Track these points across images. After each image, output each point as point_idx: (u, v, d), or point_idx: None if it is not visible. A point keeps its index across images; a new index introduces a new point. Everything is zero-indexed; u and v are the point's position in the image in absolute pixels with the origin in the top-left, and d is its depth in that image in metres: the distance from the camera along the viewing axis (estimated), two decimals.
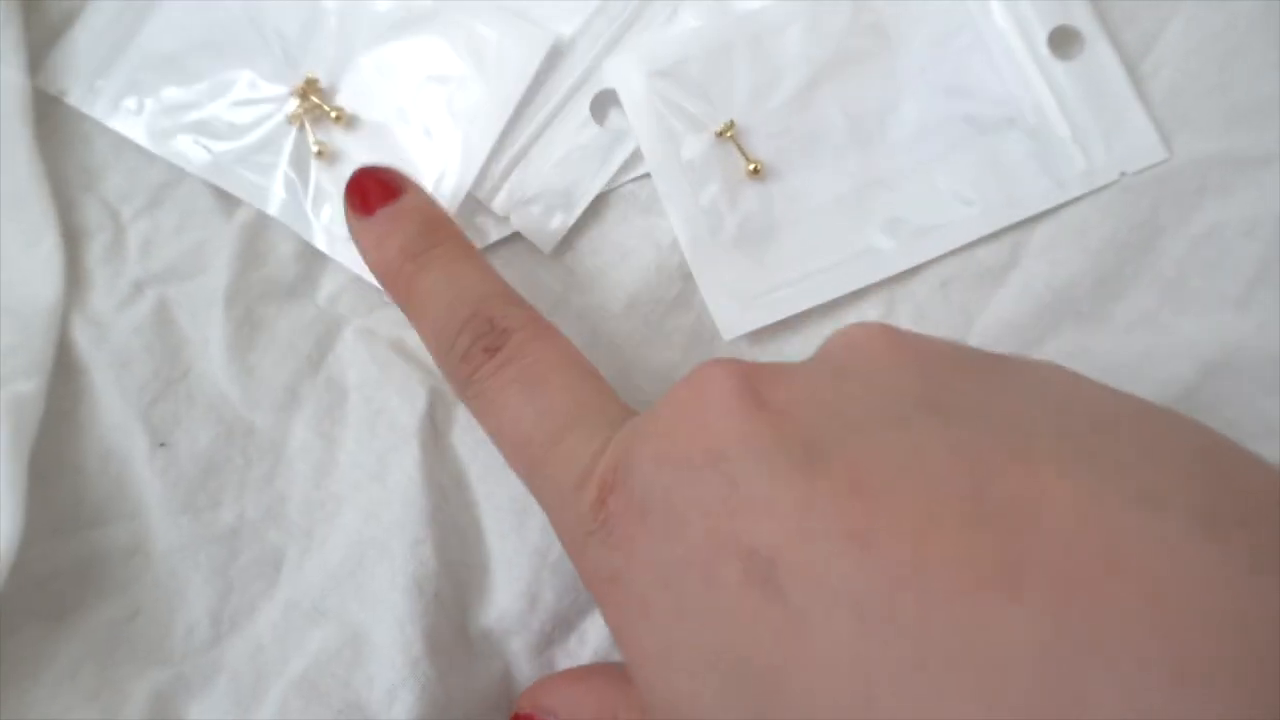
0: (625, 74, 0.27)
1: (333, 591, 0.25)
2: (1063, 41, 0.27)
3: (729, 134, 0.26)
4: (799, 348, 0.26)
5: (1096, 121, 0.26)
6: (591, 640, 0.24)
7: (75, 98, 0.28)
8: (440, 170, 0.27)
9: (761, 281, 0.26)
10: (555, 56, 0.27)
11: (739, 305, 0.26)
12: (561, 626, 0.24)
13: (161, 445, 0.26)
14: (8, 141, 0.27)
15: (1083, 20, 0.27)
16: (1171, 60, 0.27)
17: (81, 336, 0.26)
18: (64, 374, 0.26)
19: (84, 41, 0.28)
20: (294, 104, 0.27)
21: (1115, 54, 0.27)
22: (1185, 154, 0.26)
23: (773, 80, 0.27)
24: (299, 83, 0.27)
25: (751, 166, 0.26)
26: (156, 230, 0.27)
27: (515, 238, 0.27)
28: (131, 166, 0.28)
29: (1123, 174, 0.26)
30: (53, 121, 0.28)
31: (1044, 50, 0.27)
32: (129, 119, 0.28)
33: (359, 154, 0.27)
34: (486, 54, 0.27)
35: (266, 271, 0.27)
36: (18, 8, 0.28)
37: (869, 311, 0.26)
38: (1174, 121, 0.27)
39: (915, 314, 0.26)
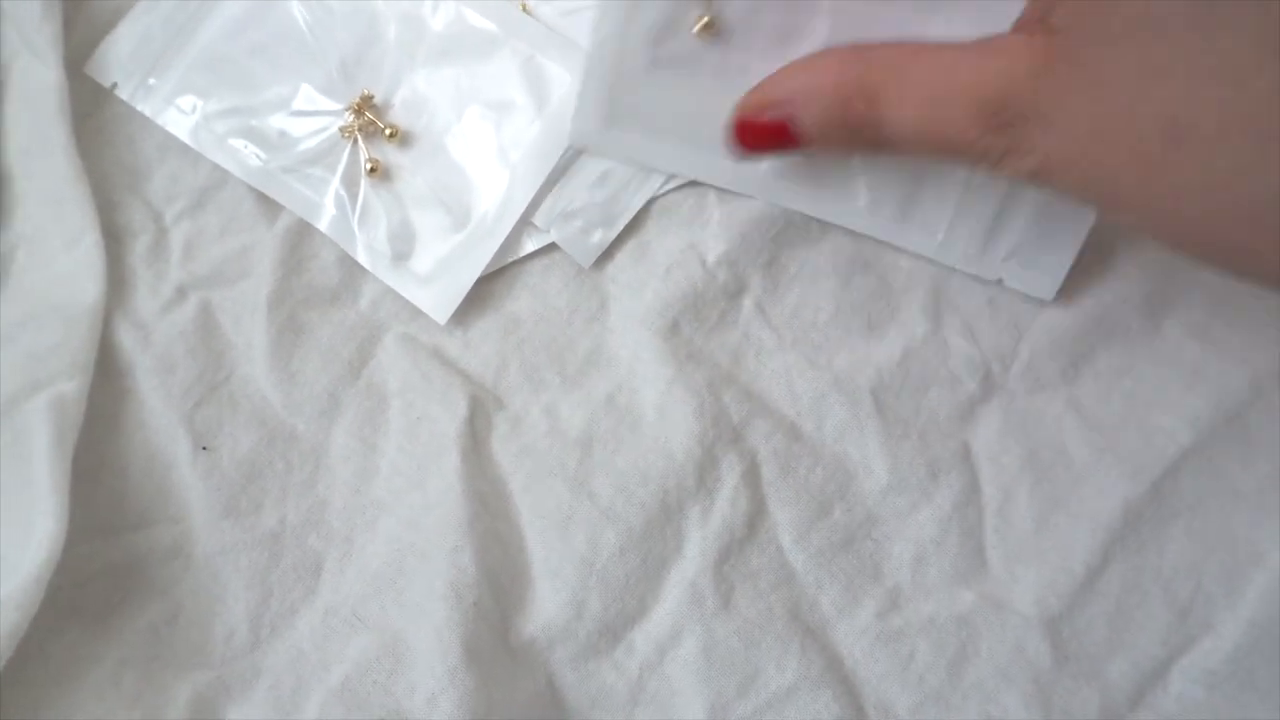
0: None
1: (372, 598, 0.25)
2: None
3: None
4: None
5: (1025, 229, 0.25)
6: (640, 650, 0.24)
7: (127, 92, 0.28)
8: (493, 194, 0.27)
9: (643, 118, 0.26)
10: None
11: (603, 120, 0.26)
12: (608, 636, 0.24)
13: (204, 449, 0.26)
14: (46, 139, 0.27)
15: None
16: None
17: (125, 338, 0.27)
18: (107, 375, 0.26)
19: (138, 35, 0.28)
20: (348, 119, 0.27)
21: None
22: None
23: None
24: (354, 98, 0.27)
25: (704, 19, 0.25)
26: (200, 233, 0.28)
27: (554, 247, 0.27)
28: (175, 169, 0.28)
29: (999, 280, 0.26)
30: (97, 121, 0.28)
31: None
32: (179, 119, 0.28)
33: (411, 171, 0.27)
34: (551, 91, 0.27)
35: (309, 278, 0.27)
36: (58, 5, 0.28)
37: (913, 317, 0.26)
38: None
39: (963, 327, 0.26)
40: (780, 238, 0.26)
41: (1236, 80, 0.16)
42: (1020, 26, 0.21)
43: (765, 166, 0.26)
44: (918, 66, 0.21)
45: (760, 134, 0.23)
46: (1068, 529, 0.24)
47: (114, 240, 0.27)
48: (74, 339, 0.26)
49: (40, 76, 0.27)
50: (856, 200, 0.26)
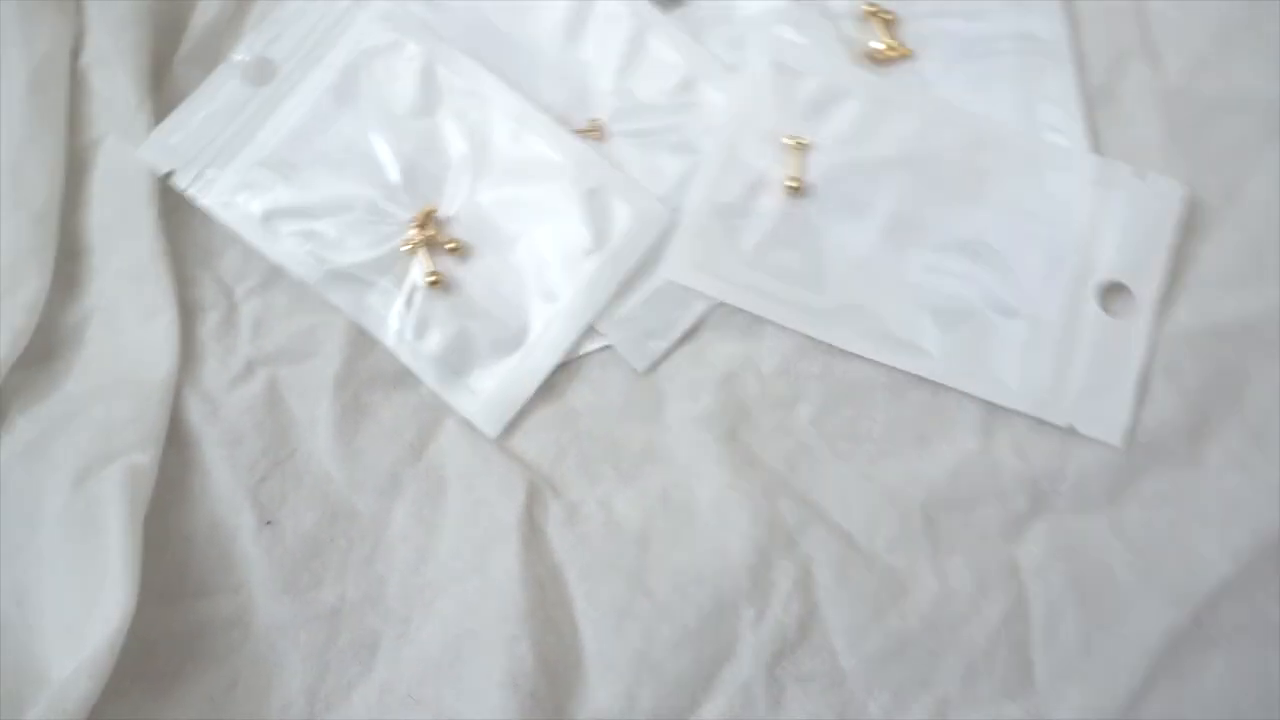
0: None
1: (429, 680, 0.25)
2: (1114, 296, 0.28)
3: (795, 145, 0.28)
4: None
5: (1088, 372, 0.27)
6: None
7: (185, 181, 0.29)
8: (548, 317, 0.28)
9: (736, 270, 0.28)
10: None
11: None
12: None
13: (268, 523, 0.27)
14: (131, 217, 0.28)
15: (1144, 289, 0.27)
16: (1258, 209, 0.28)
17: (194, 411, 0.27)
18: (176, 446, 0.27)
19: (197, 126, 0.29)
20: (412, 231, 0.28)
21: (1149, 330, 0.27)
22: (1270, 302, 0.27)
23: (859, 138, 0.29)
24: (417, 210, 0.28)
25: (791, 182, 0.28)
26: (268, 310, 0.28)
27: (610, 347, 0.28)
28: (247, 247, 0.29)
29: (1070, 426, 0.26)
30: (174, 198, 0.29)
31: (1091, 290, 0.27)
32: (239, 215, 0.28)
33: (473, 285, 0.28)
34: (611, 226, 0.28)
35: (373, 360, 0.28)
36: (149, 89, 0.29)
37: (964, 433, 0.27)
38: (1260, 270, 0.27)
39: (1013, 445, 0.27)
40: (834, 350, 0.27)
41: None
42: None
43: (839, 318, 0.28)
44: None
45: None
46: (1112, 651, 0.25)
47: (186, 315, 0.28)
48: (147, 411, 0.27)
49: (129, 157, 0.28)
50: (930, 352, 0.27)
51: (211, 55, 0.29)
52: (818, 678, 0.25)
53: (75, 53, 0.29)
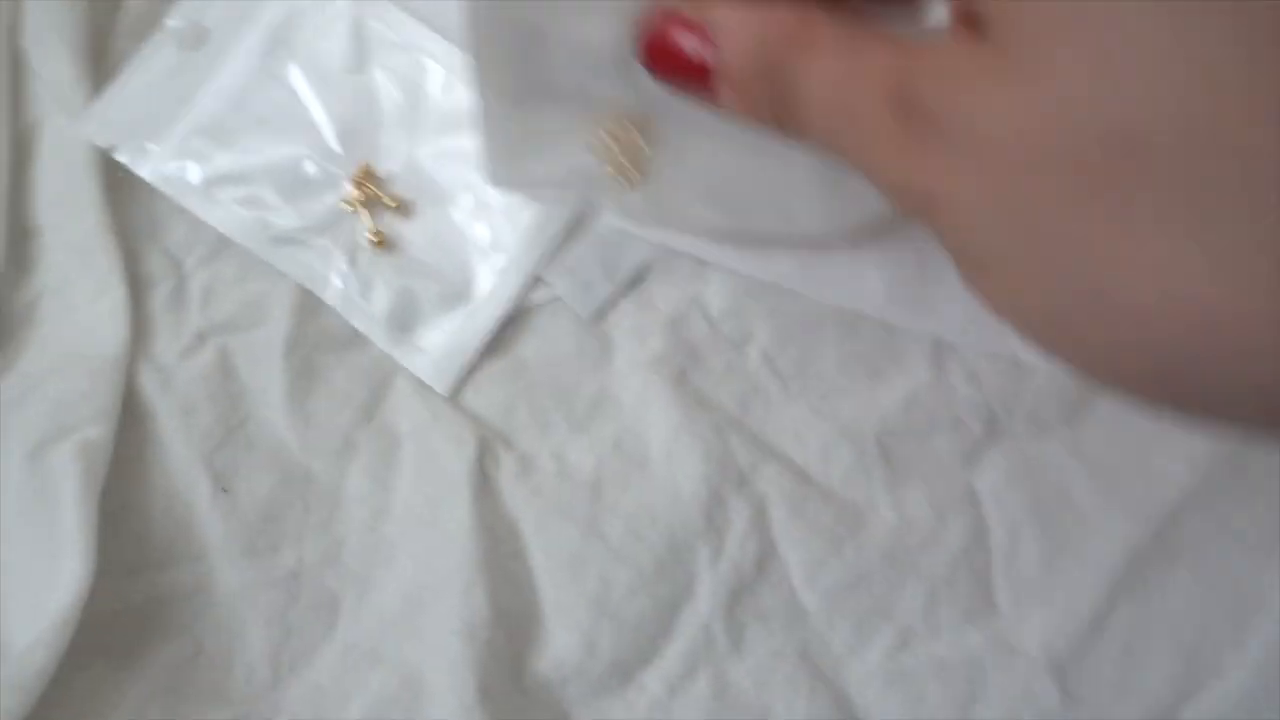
0: None
1: (389, 635, 0.25)
2: None
3: None
4: None
5: None
6: (651, 689, 0.25)
7: (125, 155, 0.28)
8: (494, 267, 0.27)
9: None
10: None
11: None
12: (619, 675, 0.25)
13: (224, 490, 0.27)
14: (77, 194, 0.28)
15: None
16: None
17: (147, 383, 0.27)
18: (130, 420, 0.27)
19: (134, 98, 0.29)
20: (350, 190, 0.28)
21: None
22: None
23: None
24: (354, 169, 0.28)
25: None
26: (217, 280, 0.28)
27: (557, 297, 0.28)
28: (193, 218, 0.29)
29: (1015, 355, 0.26)
30: (119, 173, 0.29)
31: None
32: (180, 185, 0.28)
33: (415, 242, 0.28)
34: None
35: (322, 323, 0.28)
36: (90, 63, 0.29)
37: (917, 363, 0.26)
38: None
39: (966, 373, 0.26)
40: (783, 289, 0.27)
41: (1209, 86, 0.13)
42: (951, 27, 0.17)
43: (782, 260, 0.26)
44: (834, 42, 0.17)
45: (675, 61, 0.19)
46: (1074, 572, 0.25)
47: (136, 289, 0.28)
48: (100, 386, 0.27)
49: (72, 134, 0.28)
50: (876, 293, 0.26)
51: (151, 28, 0.29)
52: (777, 614, 0.25)
53: (12, 33, 0.29)
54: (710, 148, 0.24)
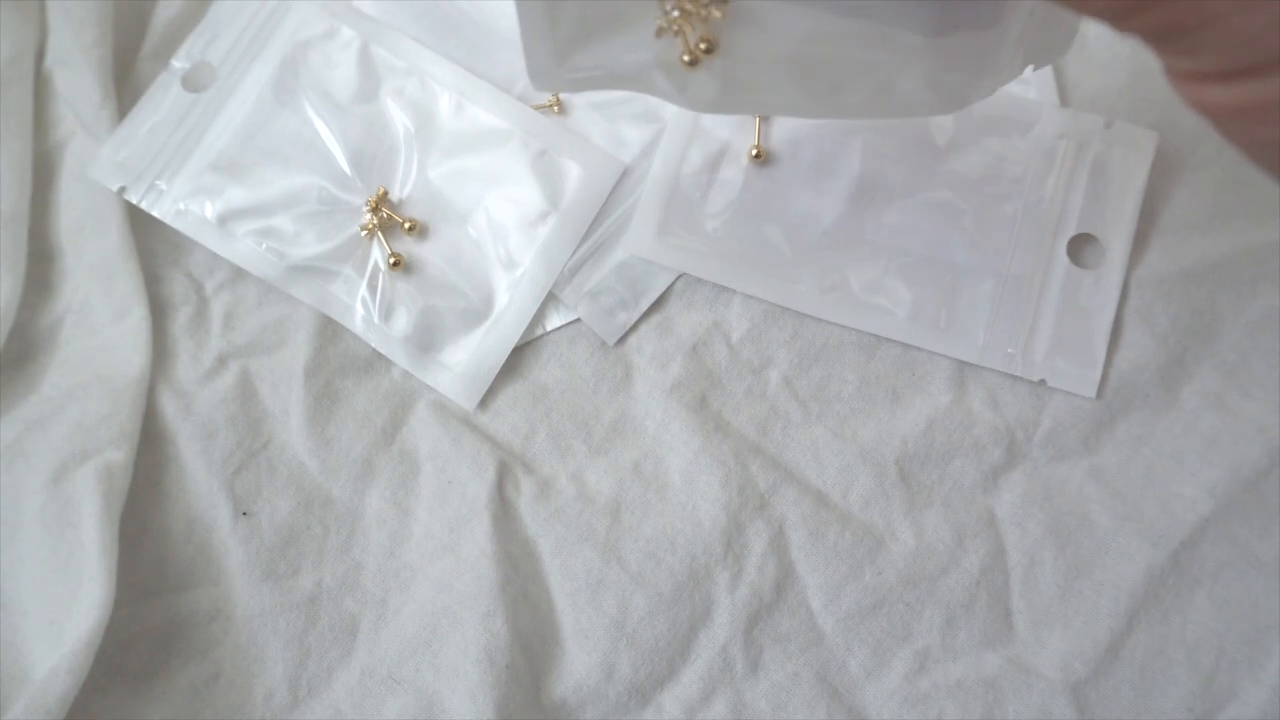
0: None
1: (408, 660, 0.25)
2: (1084, 247, 0.27)
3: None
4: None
5: (1057, 327, 0.26)
6: (669, 712, 0.25)
7: (136, 195, 0.28)
8: (512, 284, 0.28)
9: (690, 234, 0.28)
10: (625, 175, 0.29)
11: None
12: (637, 698, 0.25)
13: (244, 514, 0.27)
14: (100, 217, 0.29)
15: (1114, 240, 0.27)
16: (1226, 148, 0.27)
17: (168, 406, 0.27)
18: (151, 442, 0.27)
19: (143, 139, 0.29)
20: (367, 216, 0.28)
21: (1120, 280, 0.27)
22: (1240, 242, 0.27)
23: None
24: (370, 195, 0.28)
25: (754, 151, 0.28)
26: (238, 304, 0.29)
27: (580, 321, 0.28)
28: None
29: (1042, 381, 0.26)
30: None
31: (1061, 243, 0.27)
32: (195, 222, 0.28)
33: (434, 262, 0.28)
34: (564, 185, 0.28)
35: (343, 347, 0.28)
36: (113, 88, 0.29)
37: (937, 387, 0.27)
38: (1229, 210, 0.27)
39: (986, 397, 0.26)
40: (803, 313, 0.27)
41: None
42: None
43: (806, 284, 0.27)
44: None
45: None
46: (1092, 595, 0.25)
47: (157, 312, 0.28)
48: (121, 409, 0.27)
49: (95, 157, 0.28)
50: (897, 313, 0.27)
51: (174, 52, 0.29)
52: (795, 637, 0.25)
53: (39, 55, 0.30)
54: (798, 6, 0.20)
